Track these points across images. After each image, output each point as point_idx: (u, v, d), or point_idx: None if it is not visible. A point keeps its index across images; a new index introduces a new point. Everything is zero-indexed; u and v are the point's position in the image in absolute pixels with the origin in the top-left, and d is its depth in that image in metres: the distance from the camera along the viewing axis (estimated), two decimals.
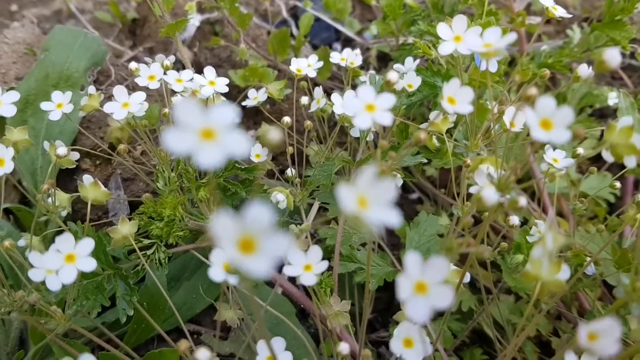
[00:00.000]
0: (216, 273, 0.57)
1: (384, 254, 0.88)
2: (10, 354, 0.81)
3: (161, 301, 0.81)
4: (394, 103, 0.57)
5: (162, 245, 0.77)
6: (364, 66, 1.04)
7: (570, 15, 0.73)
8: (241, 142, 0.35)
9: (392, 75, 0.58)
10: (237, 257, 0.33)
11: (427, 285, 0.49)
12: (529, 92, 0.53)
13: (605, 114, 1.10)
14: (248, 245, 0.34)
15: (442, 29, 0.65)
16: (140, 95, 0.75)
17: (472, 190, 0.63)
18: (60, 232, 0.75)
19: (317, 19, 1.28)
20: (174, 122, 0.34)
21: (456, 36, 0.65)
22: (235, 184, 0.81)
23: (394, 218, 0.39)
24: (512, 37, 0.56)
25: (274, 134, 0.37)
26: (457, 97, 0.58)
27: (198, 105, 0.36)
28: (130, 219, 0.72)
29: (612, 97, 0.97)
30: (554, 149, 0.77)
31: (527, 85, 0.92)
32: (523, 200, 0.53)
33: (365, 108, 0.56)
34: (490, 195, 0.52)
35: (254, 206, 0.33)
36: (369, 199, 0.39)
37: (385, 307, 0.95)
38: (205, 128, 0.35)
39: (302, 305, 0.86)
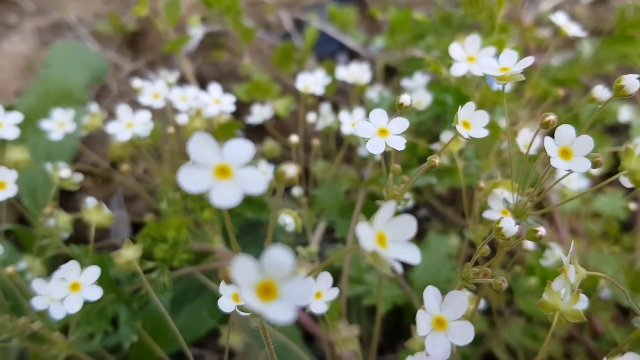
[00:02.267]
0: (226, 304, 0.55)
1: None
2: None
3: (165, 325, 0.79)
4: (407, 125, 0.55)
5: (167, 268, 0.74)
6: (371, 80, 1.02)
7: (584, 35, 0.71)
8: (258, 180, 0.34)
9: (405, 99, 0.57)
10: (257, 305, 0.31)
11: (446, 321, 0.48)
12: (547, 118, 0.52)
13: (616, 129, 1.08)
14: (268, 291, 0.32)
15: (454, 49, 0.63)
16: (146, 115, 0.72)
17: (486, 215, 0.62)
18: (61, 255, 0.73)
19: (322, 31, 1.26)
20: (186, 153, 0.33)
21: (470, 57, 0.63)
22: (241, 205, 0.79)
23: (414, 256, 0.37)
24: (529, 61, 0.54)
25: (291, 171, 0.36)
26: (472, 121, 0.56)
27: (213, 140, 0.34)
28: (133, 241, 0.70)
29: (624, 113, 0.95)
30: None
31: (540, 102, 0.91)
32: (543, 230, 0.51)
33: (378, 133, 0.55)
34: (510, 227, 0.50)
35: (274, 250, 0.31)
36: (388, 237, 0.38)
37: (393, 329, 0.92)
38: (221, 165, 0.34)
39: (308, 329, 0.84)
